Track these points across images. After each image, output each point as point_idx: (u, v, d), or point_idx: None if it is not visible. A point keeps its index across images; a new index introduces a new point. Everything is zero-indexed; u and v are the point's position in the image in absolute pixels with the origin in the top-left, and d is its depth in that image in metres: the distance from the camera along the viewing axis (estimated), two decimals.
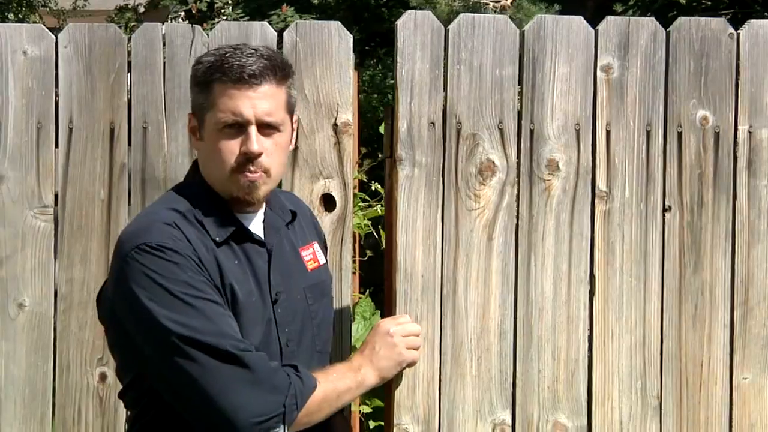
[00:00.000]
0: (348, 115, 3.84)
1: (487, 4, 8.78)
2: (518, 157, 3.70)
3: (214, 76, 3.06)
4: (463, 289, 3.65)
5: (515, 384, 3.72)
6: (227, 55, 3.09)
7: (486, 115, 3.65)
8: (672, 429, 3.77)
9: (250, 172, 3.07)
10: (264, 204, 3.23)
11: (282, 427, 3.03)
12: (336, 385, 3.14)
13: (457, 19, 3.70)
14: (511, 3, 9.12)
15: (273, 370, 3.02)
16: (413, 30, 3.62)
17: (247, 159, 3.07)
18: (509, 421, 3.68)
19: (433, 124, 3.61)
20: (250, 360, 2.98)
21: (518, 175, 3.69)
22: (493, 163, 3.63)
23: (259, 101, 3.05)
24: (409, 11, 3.72)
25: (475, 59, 3.63)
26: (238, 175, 3.07)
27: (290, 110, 3.18)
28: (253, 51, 3.13)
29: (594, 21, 4.01)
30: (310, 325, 3.26)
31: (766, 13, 6.31)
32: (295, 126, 3.29)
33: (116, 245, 3.14)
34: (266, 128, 3.07)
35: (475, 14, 3.89)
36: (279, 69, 3.12)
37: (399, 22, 3.65)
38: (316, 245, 3.38)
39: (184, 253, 2.99)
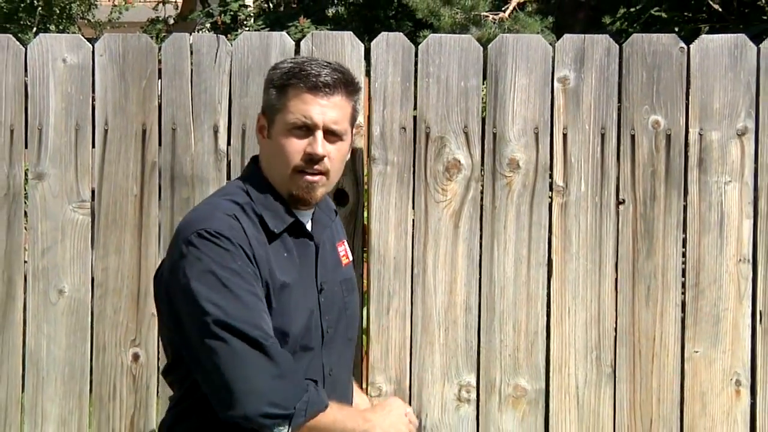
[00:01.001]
0: (360, 117, 4.10)
1: (487, 16, 9.43)
2: (482, 156, 4.33)
3: (291, 81, 3.41)
4: (432, 269, 4.31)
5: (479, 352, 4.32)
6: (305, 63, 3.44)
7: (452, 121, 4.31)
8: (625, 394, 4.32)
9: (311, 174, 3.40)
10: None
11: (287, 427, 3.26)
12: (345, 420, 3.38)
13: (426, 40, 4.34)
14: (509, 15, 9.81)
15: (295, 370, 3.29)
16: (385, 49, 4.30)
17: (310, 160, 3.38)
18: (474, 383, 4.31)
19: (405, 128, 4.27)
20: (276, 354, 3.24)
21: (482, 172, 4.31)
22: (459, 161, 4.31)
23: (329, 110, 3.39)
24: (382, 33, 4.36)
25: (443, 73, 4.29)
26: (299, 175, 3.40)
27: (352, 123, 3.51)
28: (327, 64, 3.47)
29: (586, 32, 4.71)
30: (344, 315, 3.60)
31: (741, 26, 6.90)
32: (353, 138, 3.62)
33: (177, 229, 3.41)
34: (331, 135, 3.40)
35: (442, 35, 4.46)
36: (350, 84, 3.47)
37: (373, 43, 4.28)
38: (345, 243, 3.71)
39: (238, 243, 3.29)
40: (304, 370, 3.44)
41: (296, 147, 3.40)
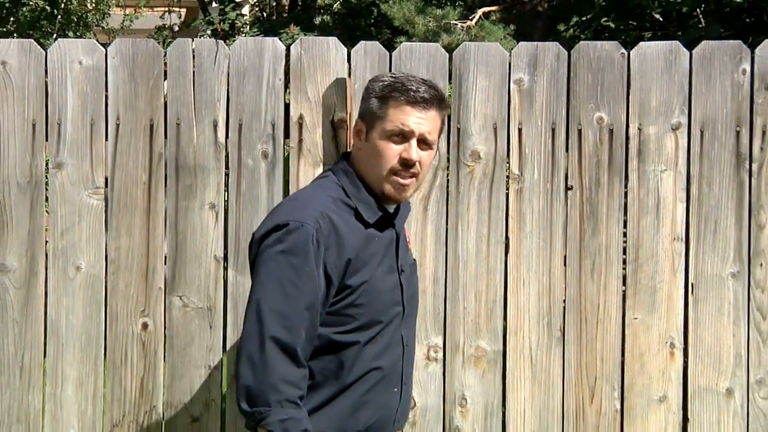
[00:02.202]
0: (343, 113, 4.35)
1: (456, 24, 9.49)
2: (448, 148, 4.36)
3: (393, 93, 3.47)
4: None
5: (446, 317, 4.37)
6: (405, 79, 3.52)
7: None
8: (573, 355, 4.38)
9: (404, 177, 3.47)
10: None
11: (253, 419, 3.28)
12: None
13: (398, 48, 4.39)
14: (475, 23, 9.83)
15: (280, 387, 3.26)
16: (364, 55, 4.35)
17: (405, 164, 3.45)
18: (441, 345, 4.37)
19: None
20: (279, 353, 3.26)
21: (448, 162, 4.35)
22: None
23: (425, 121, 3.46)
24: (361, 42, 4.41)
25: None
26: (393, 177, 3.47)
27: (440, 134, 3.58)
28: (423, 81, 3.55)
29: (543, 39, 4.84)
30: (415, 293, 3.73)
31: (679, 33, 6.91)
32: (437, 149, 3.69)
33: (275, 208, 3.60)
34: (423, 144, 3.48)
35: (413, 43, 4.54)
36: (443, 101, 3.54)
37: (353, 51, 4.33)
38: (409, 232, 3.82)
39: (316, 236, 3.34)
40: (388, 341, 3.53)
41: (393, 152, 3.47)
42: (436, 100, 3.51)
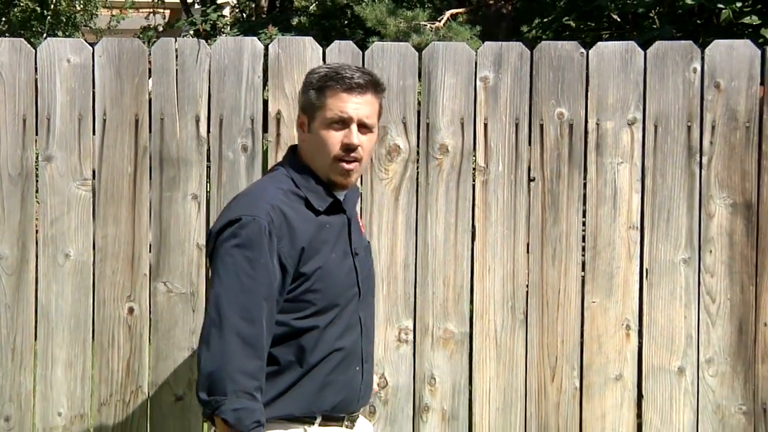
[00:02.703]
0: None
1: (425, 25, 9.53)
2: (418, 142, 4.37)
3: (329, 83, 3.45)
4: (377, 234, 4.37)
5: (416, 302, 4.38)
6: (339, 68, 3.51)
7: (393, 113, 4.34)
8: (535, 337, 4.40)
9: (348, 162, 3.45)
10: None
11: (210, 407, 3.25)
12: None
13: (371, 47, 4.40)
14: (444, 24, 9.86)
15: (238, 379, 3.24)
16: (338, 54, 4.34)
17: (347, 149, 3.42)
18: (411, 327, 4.38)
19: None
20: (239, 345, 3.24)
21: (418, 155, 4.36)
22: (399, 146, 4.37)
23: (362, 106, 3.45)
24: (335, 41, 4.41)
25: (384, 74, 4.28)
26: (338, 163, 3.45)
27: (379, 118, 3.57)
28: (358, 68, 3.59)
29: (508, 39, 4.85)
30: (370, 275, 3.70)
31: (635, 33, 6.94)
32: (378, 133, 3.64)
33: (229, 204, 3.57)
34: (363, 128, 3.46)
35: (384, 42, 4.55)
36: (378, 85, 3.53)
37: (327, 49, 4.34)
38: (359, 217, 3.80)
39: (268, 228, 3.32)
40: (347, 323, 3.52)
41: (335, 139, 3.46)
42: (371, 84, 3.51)
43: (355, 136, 3.45)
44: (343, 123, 3.46)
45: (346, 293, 3.50)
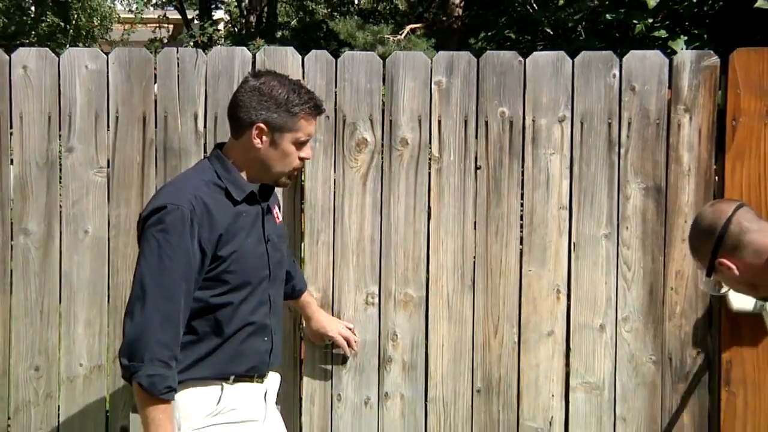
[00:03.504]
0: None
1: (389, 38, 9.58)
2: (382, 136, 4.35)
3: (303, 108, 3.42)
4: (348, 214, 4.35)
5: (380, 270, 4.37)
6: (302, 90, 3.45)
7: (361, 111, 4.33)
8: (481, 300, 4.39)
9: (291, 178, 3.56)
10: None
11: (128, 371, 3.23)
12: (162, 423, 3.23)
13: (342, 56, 4.36)
14: (404, 37, 9.91)
15: (155, 347, 3.20)
16: (314, 62, 4.32)
17: (302, 161, 3.50)
18: (377, 292, 4.37)
19: (329, 117, 4.29)
20: (158, 318, 3.22)
21: (382, 147, 4.35)
22: (366, 139, 4.34)
23: (315, 125, 3.55)
24: (312, 51, 4.38)
25: (354, 78, 4.31)
26: (293, 172, 3.52)
27: None
28: (311, 90, 3.51)
29: (458, 49, 4.79)
30: (282, 259, 3.66)
31: (564, 44, 6.94)
32: None
33: (157, 192, 3.49)
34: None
35: (354, 52, 4.50)
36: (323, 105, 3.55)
37: (306, 58, 4.31)
38: (277, 208, 3.71)
39: (190, 216, 3.27)
40: (259, 300, 3.50)
41: (296, 155, 3.48)
42: (322, 105, 3.56)
43: (309, 150, 3.55)
44: (305, 142, 3.48)
45: (258, 274, 3.46)
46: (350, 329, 4.33)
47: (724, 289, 3.37)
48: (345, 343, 4.25)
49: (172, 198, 3.32)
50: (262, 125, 3.39)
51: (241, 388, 3.46)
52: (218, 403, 3.40)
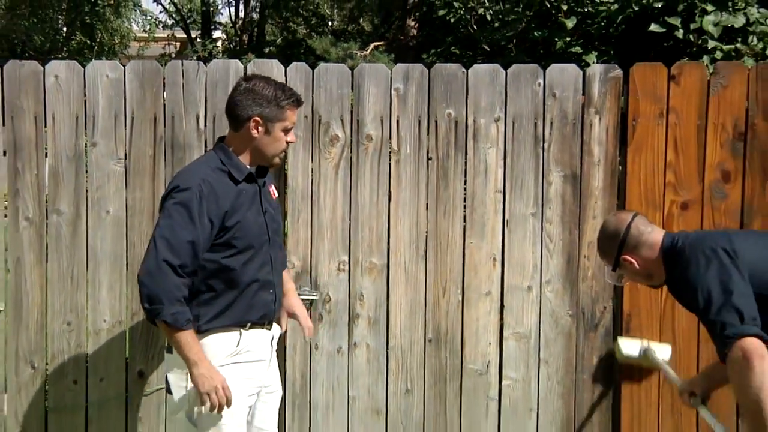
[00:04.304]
0: None
1: (356, 53, 9.67)
2: (351, 133, 4.33)
3: (288, 102, 3.47)
4: (323, 197, 4.33)
5: (350, 242, 4.35)
6: (285, 88, 3.52)
7: (334, 113, 4.31)
8: (432, 267, 4.38)
9: (281, 158, 3.60)
10: None
11: (152, 314, 3.32)
12: (191, 345, 3.34)
13: (318, 67, 4.33)
14: (369, 53, 10.02)
15: (170, 289, 3.28)
16: (296, 72, 4.28)
17: (287, 144, 3.53)
18: (347, 260, 4.35)
19: (307, 117, 4.26)
20: (168, 268, 3.28)
21: (351, 142, 4.33)
22: (338, 136, 4.32)
23: (298, 115, 3.61)
24: (294, 63, 4.35)
25: (328, 85, 4.29)
26: (282, 152, 3.56)
27: None
28: (291, 88, 3.60)
29: (413, 62, 4.62)
30: (278, 228, 3.68)
31: (499, 58, 7.01)
32: None
33: (174, 177, 3.57)
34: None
35: (329, 64, 4.52)
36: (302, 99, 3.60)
37: (288, 68, 4.27)
38: (273, 186, 3.72)
39: (200, 190, 3.35)
40: (262, 260, 3.53)
41: (284, 140, 3.53)
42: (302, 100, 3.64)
43: (294, 135, 3.60)
44: (290, 130, 3.55)
45: (259, 239, 3.49)
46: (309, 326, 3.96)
47: (624, 280, 3.53)
48: (306, 328, 3.86)
49: (184, 180, 3.40)
50: (257, 118, 3.45)
51: (254, 333, 3.52)
52: (237, 345, 3.48)
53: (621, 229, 3.38)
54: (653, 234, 3.38)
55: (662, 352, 3.82)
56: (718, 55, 5.81)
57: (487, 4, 7.42)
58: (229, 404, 3.38)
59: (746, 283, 3.08)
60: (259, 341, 3.56)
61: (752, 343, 2.94)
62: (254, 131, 3.47)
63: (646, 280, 3.48)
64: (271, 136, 3.49)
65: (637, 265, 3.37)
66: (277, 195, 3.78)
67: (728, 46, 5.86)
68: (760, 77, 4.36)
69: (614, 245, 3.39)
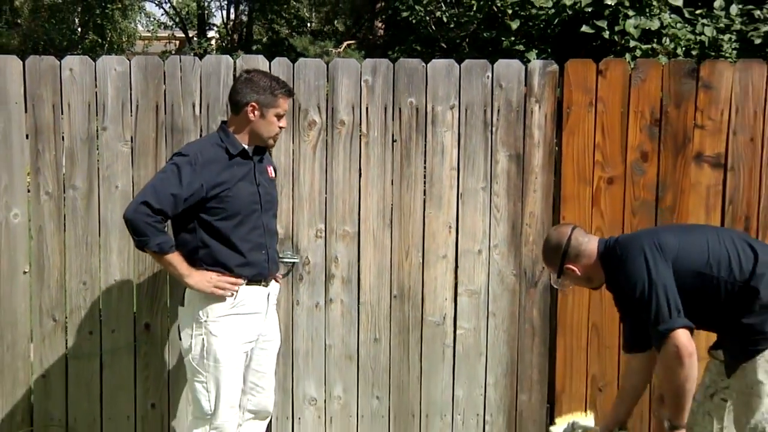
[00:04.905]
0: None
1: (332, 50, 9.63)
2: (326, 118, 4.26)
3: (281, 91, 3.57)
4: (303, 174, 4.27)
5: (326, 212, 4.30)
6: (279, 81, 3.60)
7: (311, 101, 4.24)
8: (396, 233, 4.34)
9: (275, 140, 3.65)
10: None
11: (141, 244, 3.44)
12: (179, 264, 3.48)
13: (298, 62, 4.25)
14: (343, 50, 9.99)
15: (150, 224, 3.40)
16: (278, 66, 4.20)
17: (280, 130, 3.61)
18: (323, 228, 4.30)
19: (288, 104, 3.97)
20: (147, 206, 3.40)
21: (326, 126, 4.27)
22: (315, 121, 4.25)
23: (288, 104, 3.66)
24: (277, 58, 4.28)
25: (306, 77, 4.22)
26: (273, 141, 3.64)
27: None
28: (282, 80, 3.65)
29: (380, 57, 4.57)
30: (272, 198, 3.72)
31: (454, 54, 7.00)
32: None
33: (181, 147, 3.69)
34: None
35: (308, 59, 4.39)
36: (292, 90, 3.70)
37: (272, 63, 4.20)
38: (271, 167, 3.77)
39: (195, 160, 3.44)
40: (254, 224, 3.57)
41: (277, 124, 3.61)
42: (293, 91, 3.73)
43: (285, 121, 3.65)
44: (282, 116, 3.62)
45: (250, 207, 3.52)
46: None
47: (567, 285, 3.54)
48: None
49: (186, 149, 3.56)
50: (254, 104, 3.53)
51: (250, 289, 3.54)
52: (234, 299, 3.50)
53: (562, 242, 3.37)
54: (590, 243, 3.38)
55: (587, 422, 3.70)
56: (638, 53, 5.89)
57: (443, 7, 7.38)
58: (230, 284, 3.49)
59: (671, 274, 3.11)
60: (255, 296, 3.56)
61: (683, 339, 3.02)
62: (251, 115, 3.53)
63: (587, 284, 3.49)
64: (266, 119, 3.53)
65: (578, 272, 3.38)
66: (274, 175, 3.81)
67: (646, 46, 5.94)
68: (672, 72, 4.40)
69: (557, 257, 3.39)
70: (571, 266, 3.37)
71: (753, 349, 3.09)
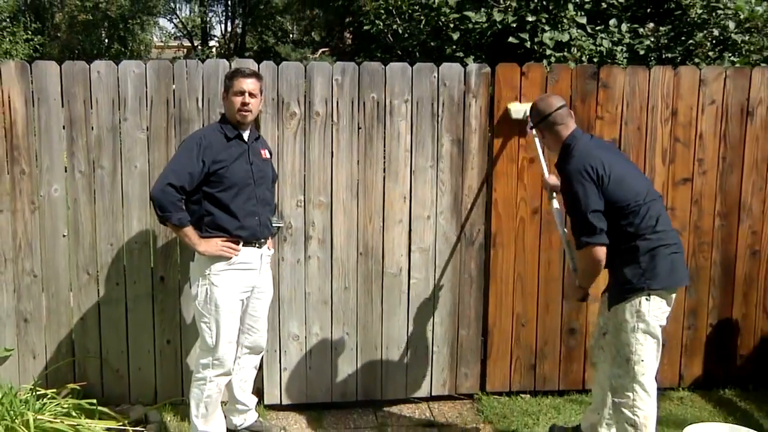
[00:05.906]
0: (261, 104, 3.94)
1: (309, 56, 9.53)
2: (305, 110, 4.18)
3: (235, 74, 3.48)
4: (286, 156, 4.18)
5: (305, 187, 4.23)
6: (241, 68, 3.55)
7: (293, 96, 4.15)
8: (362, 204, 4.27)
9: (242, 111, 3.46)
10: (249, 128, 3.56)
11: (164, 219, 3.35)
12: (192, 236, 3.41)
13: (281, 64, 4.16)
14: (318, 56, 9.88)
15: (174, 202, 3.33)
16: (265, 69, 4.10)
17: (243, 105, 3.44)
18: (303, 199, 4.23)
19: (274, 99, 4.12)
20: (170, 187, 3.32)
21: (305, 116, 4.20)
22: (295, 112, 4.17)
23: (248, 83, 3.46)
24: (264, 62, 4.17)
25: (289, 77, 4.13)
26: (239, 112, 3.47)
27: (261, 92, 3.56)
28: (249, 67, 3.61)
29: (349, 61, 4.63)
30: (265, 175, 3.61)
31: (408, 59, 7.02)
32: (262, 99, 3.68)
33: (189, 135, 3.60)
34: (250, 96, 3.46)
35: (290, 62, 4.27)
36: (257, 74, 3.55)
37: (260, 66, 4.06)
38: (265, 150, 3.68)
39: (200, 142, 3.41)
40: (248, 196, 3.48)
41: (237, 101, 3.46)
42: (253, 74, 3.50)
43: (246, 97, 3.46)
44: (241, 93, 3.45)
45: (245, 180, 3.45)
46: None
47: (534, 136, 3.70)
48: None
49: (192, 136, 3.50)
50: (224, 90, 3.55)
51: (246, 249, 3.50)
52: (232, 257, 3.47)
53: (546, 111, 3.34)
54: (563, 129, 3.32)
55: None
56: (553, 59, 5.95)
57: (399, 22, 7.31)
58: (232, 248, 3.44)
59: (602, 200, 3.10)
60: (250, 255, 3.53)
61: (599, 253, 3.13)
62: (223, 100, 3.55)
63: (547, 148, 3.52)
64: (228, 99, 3.47)
65: (543, 137, 3.40)
66: (269, 156, 3.73)
67: (559, 54, 5.99)
68: (578, 75, 4.39)
69: (537, 117, 3.38)
70: (541, 131, 3.38)
71: (624, 297, 3.19)
